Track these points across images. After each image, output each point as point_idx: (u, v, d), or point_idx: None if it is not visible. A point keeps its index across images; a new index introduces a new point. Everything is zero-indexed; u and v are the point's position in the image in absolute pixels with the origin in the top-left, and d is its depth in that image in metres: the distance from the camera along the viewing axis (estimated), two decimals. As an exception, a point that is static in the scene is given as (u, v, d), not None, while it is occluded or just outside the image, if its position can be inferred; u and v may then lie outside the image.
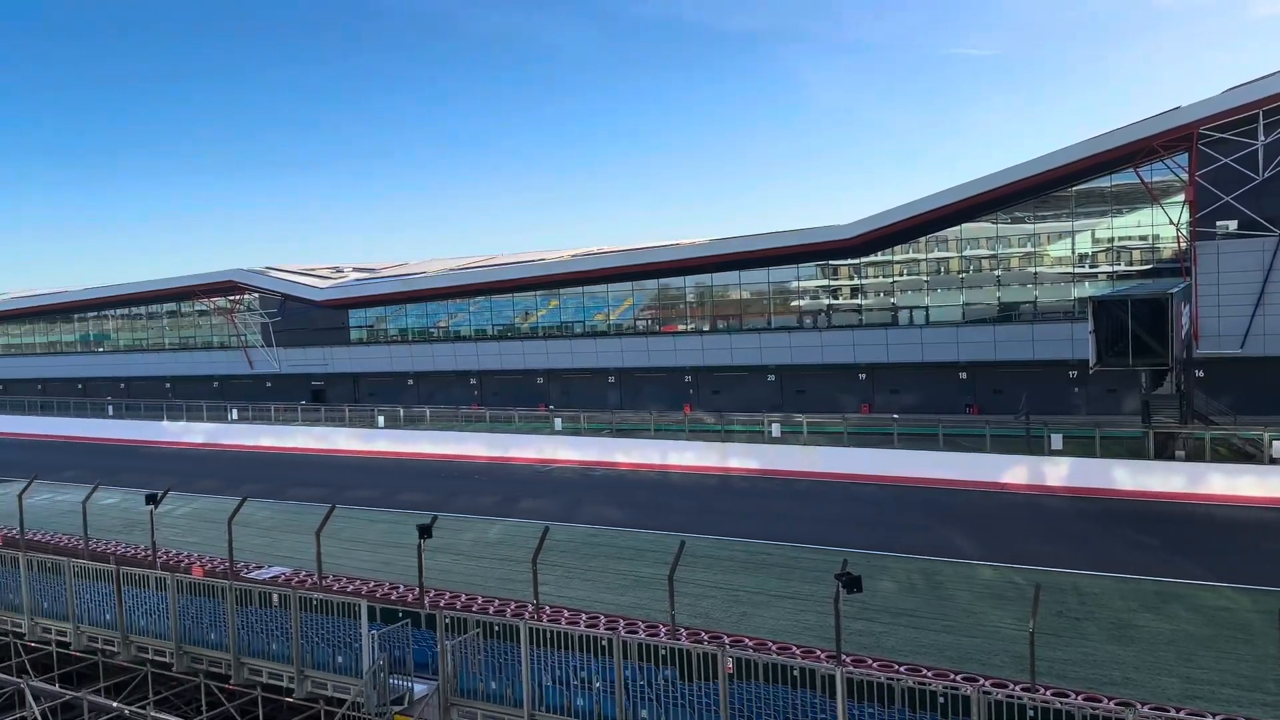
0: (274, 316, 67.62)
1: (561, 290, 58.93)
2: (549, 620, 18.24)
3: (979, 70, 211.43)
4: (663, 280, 55.88)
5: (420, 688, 15.61)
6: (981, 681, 14.22)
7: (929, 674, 14.80)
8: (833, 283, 52.04)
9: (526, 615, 17.82)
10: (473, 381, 61.71)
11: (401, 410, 54.49)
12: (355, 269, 74.15)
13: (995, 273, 47.39)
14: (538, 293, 59.97)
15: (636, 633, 17.23)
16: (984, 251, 47.67)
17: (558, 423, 48.10)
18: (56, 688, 17.12)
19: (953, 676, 14.89)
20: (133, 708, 16.15)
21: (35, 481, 29.70)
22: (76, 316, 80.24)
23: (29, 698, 15.83)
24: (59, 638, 20.32)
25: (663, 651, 13.85)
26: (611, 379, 57.12)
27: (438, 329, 63.97)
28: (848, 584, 13.80)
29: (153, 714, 15.71)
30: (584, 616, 19.18)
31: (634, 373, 56.43)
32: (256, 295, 68.35)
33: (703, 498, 34.46)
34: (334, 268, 74.41)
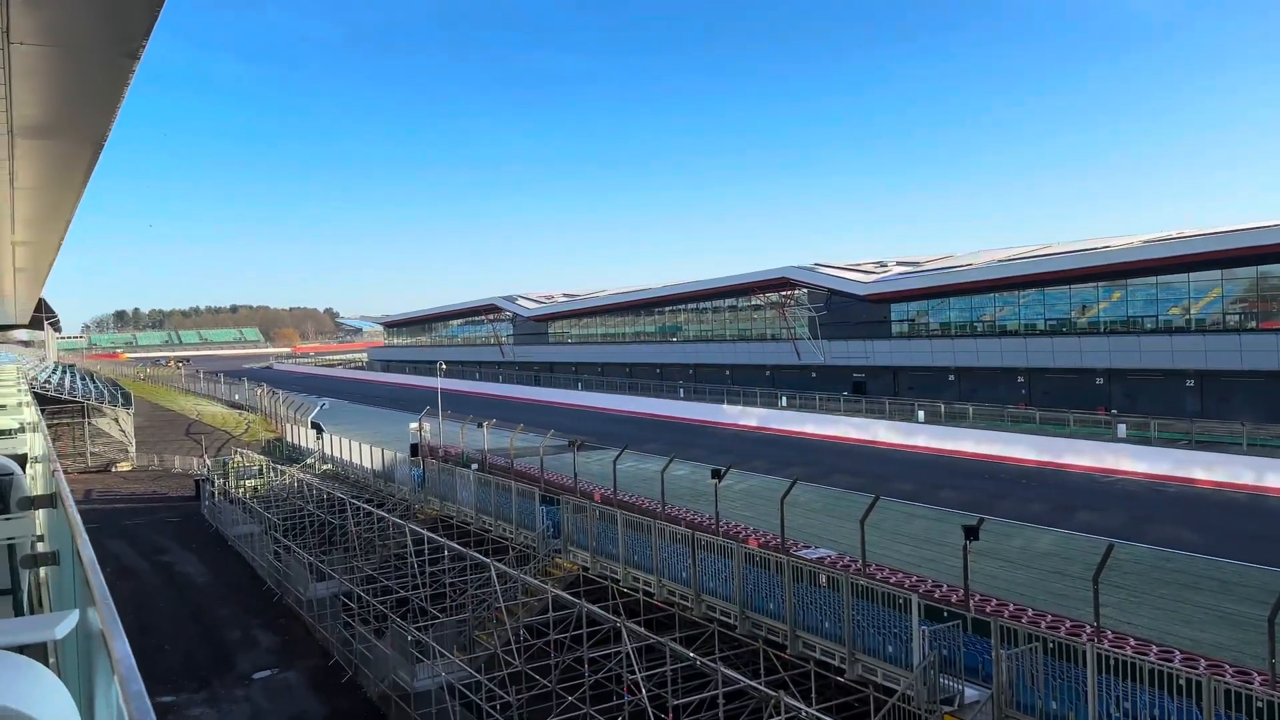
0: (820, 310, 70.85)
1: (1129, 281, 52.92)
2: (1110, 645, 16.57)
3: None
4: (1264, 267, 47.20)
5: (971, 692, 15.22)
6: None
7: None
8: None
9: (1085, 636, 16.38)
10: (1020, 379, 58.34)
11: (942, 406, 53.58)
12: (898, 263, 74.52)
13: None
14: (1099, 284, 54.59)
15: (1223, 675, 14.87)
16: None
17: (1121, 429, 43.40)
18: (642, 630, 19.91)
19: None
20: (704, 659, 18.14)
21: (625, 451, 35.01)
22: (656, 310, 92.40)
23: (624, 635, 18.63)
24: (645, 588, 23.66)
25: (1258, 704, 11.76)
26: (1190, 382, 49.83)
27: (982, 323, 61.63)
28: None
29: (722, 669, 17.47)
30: (1154, 648, 17.06)
31: (1220, 375, 48.56)
32: (805, 290, 72.21)
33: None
34: (878, 262, 75.61)
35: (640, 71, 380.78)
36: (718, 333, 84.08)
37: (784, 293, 73.84)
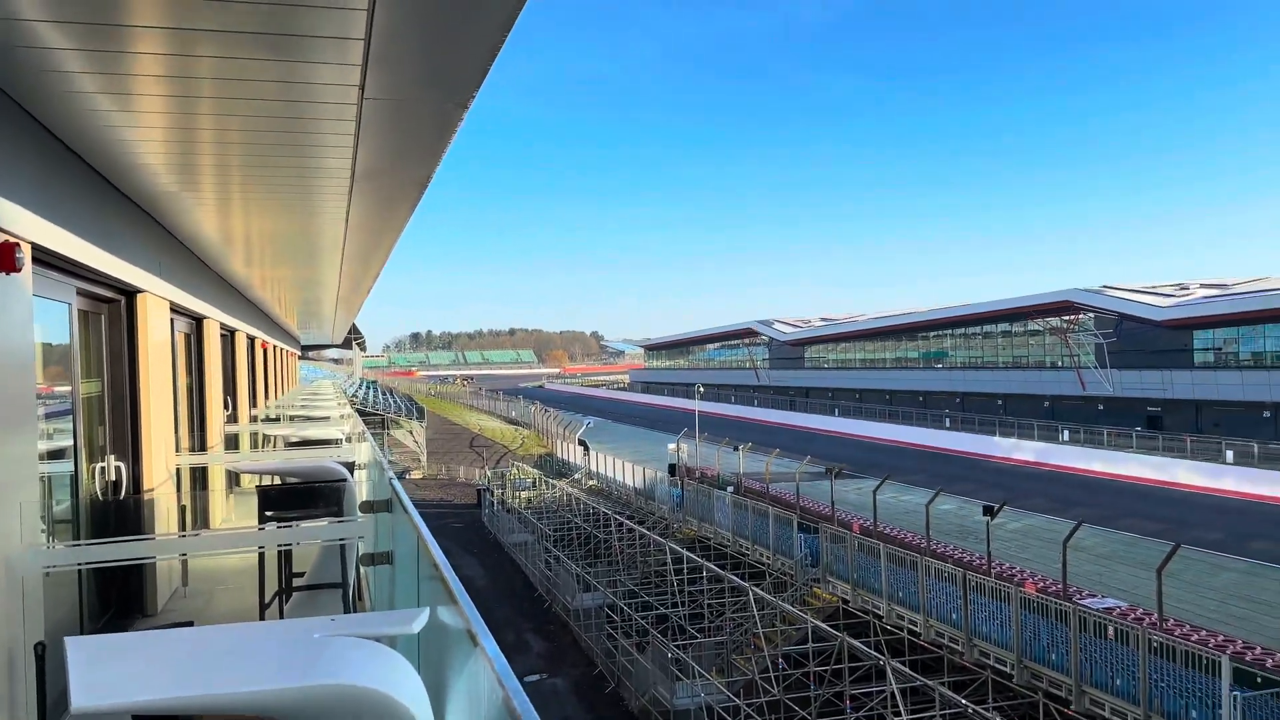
0: (1109, 336, 65.17)
1: None
2: None
3: None
4: None
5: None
6: None
7: None
8: None
9: None
10: (1355, 418, 50.54)
11: (1255, 445, 47.43)
12: (1202, 285, 67.15)
13: None
14: None
15: None
16: None
17: None
18: (908, 670, 19.11)
19: None
20: (977, 708, 17.13)
21: (885, 481, 33.86)
22: (919, 335, 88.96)
23: (889, 674, 17.98)
24: (910, 626, 22.72)
25: None
26: None
27: (1306, 353, 54.07)
28: None
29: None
30: None
31: None
32: (1091, 315, 66.78)
33: None
34: (1178, 285, 68.55)
35: (918, 90, 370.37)
36: (989, 359, 79.54)
37: (1066, 317, 68.66)
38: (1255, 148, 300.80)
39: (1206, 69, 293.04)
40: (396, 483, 5.68)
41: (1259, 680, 14.72)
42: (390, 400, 76.93)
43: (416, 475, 66.18)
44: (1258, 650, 18.93)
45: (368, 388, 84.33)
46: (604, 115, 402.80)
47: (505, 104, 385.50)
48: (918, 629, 22.31)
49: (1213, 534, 32.54)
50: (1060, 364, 70.25)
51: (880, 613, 23.94)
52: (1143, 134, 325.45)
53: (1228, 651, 18.66)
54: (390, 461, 59.96)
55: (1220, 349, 59.13)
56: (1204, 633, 20.29)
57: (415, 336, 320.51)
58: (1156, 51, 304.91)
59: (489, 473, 56.27)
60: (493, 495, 49.92)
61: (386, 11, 3.61)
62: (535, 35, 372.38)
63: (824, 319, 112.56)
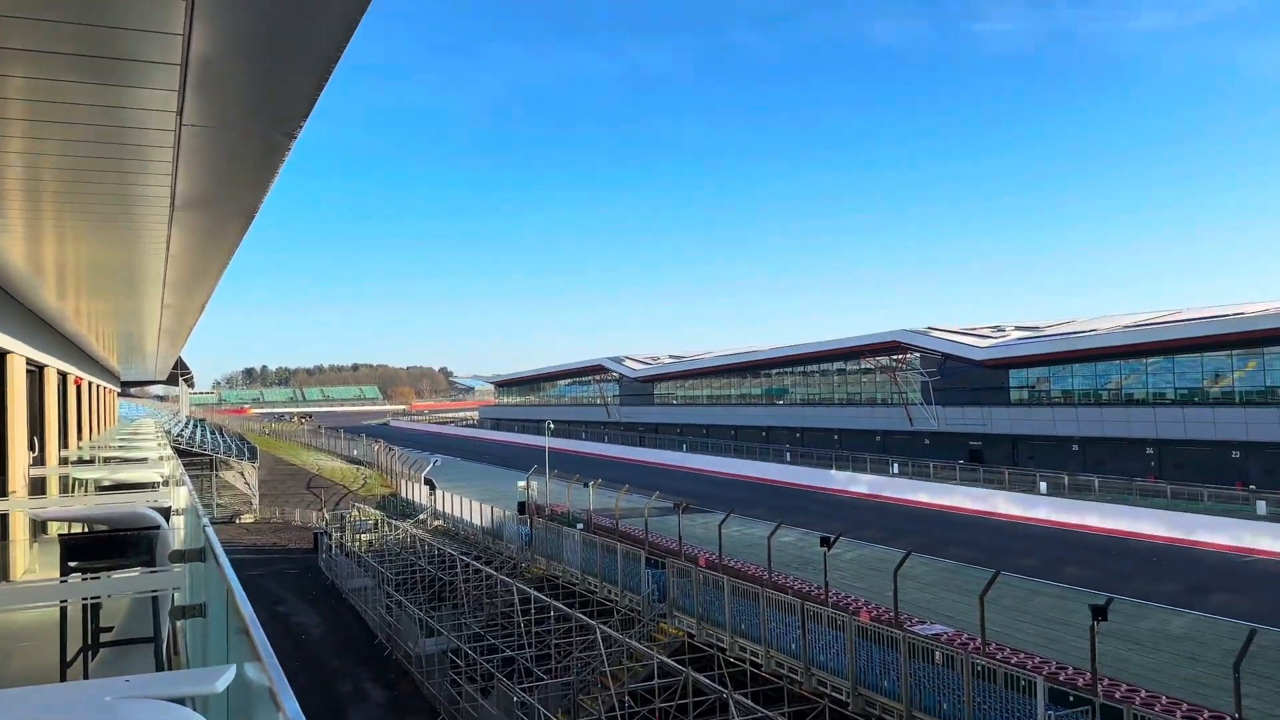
0: (934, 375, 69.17)
1: (1264, 349, 50.00)
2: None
3: None
4: None
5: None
6: None
7: None
8: None
9: (1230, 731, 15.22)
10: (1149, 451, 55.41)
11: (1066, 477, 51.23)
12: (1017, 327, 72.34)
13: None
14: (1233, 352, 51.74)
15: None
16: None
17: (1261, 505, 40.62)
18: (749, 702, 19.43)
19: None
20: (813, 736, 17.59)
21: (730, 515, 34.60)
22: (762, 372, 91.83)
23: (732, 707, 18.23)
24: (752, 658, 23.15)
25: None
26: (1338, 457, 46.48)
27: (1107, 391, 59.01)
28: None
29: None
30: (1309, 748, 15.71)
31: (1373, 451, 45.15)
32: (918, 354, 70.72)
33: None
34: (995, 327, 73.58)
35: (748, 135, 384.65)
36: (825, 396, 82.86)
37: (895, 356, 72.47)
38: (1072, 201, 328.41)
39: (1041, 117, 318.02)
40: (210, 529, 5.37)
41: (1071, 699, 15.76)
42: (220, 439, 72.90)
43: (248, 519, 62.76)
44: (1070, 670, 20.30)
45: (195, 426, 79.63)
46: (452, 151, 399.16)
47: (354, 135, 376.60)
48: (760, 660, 22.76)
49: (1029, 560, 34.80)
50: (890, 401, 73.94)
51: (724, 645, 24.30)
52: (972, 183, 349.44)
53: (1043, 672, 19.92)
54: (219, 505, 56.39)
55: (1034, 387, 63.76)
56: (1022, 655, 21.60)
57: (249, 372, 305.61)
58: (991, 104, 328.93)
59: (327, 515, 54.00)
60: (331, 539, 47.90)
61: (204, 39, 3.49)
62: (386, 67, 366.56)
63: (673, 356, 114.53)
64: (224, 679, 2.66)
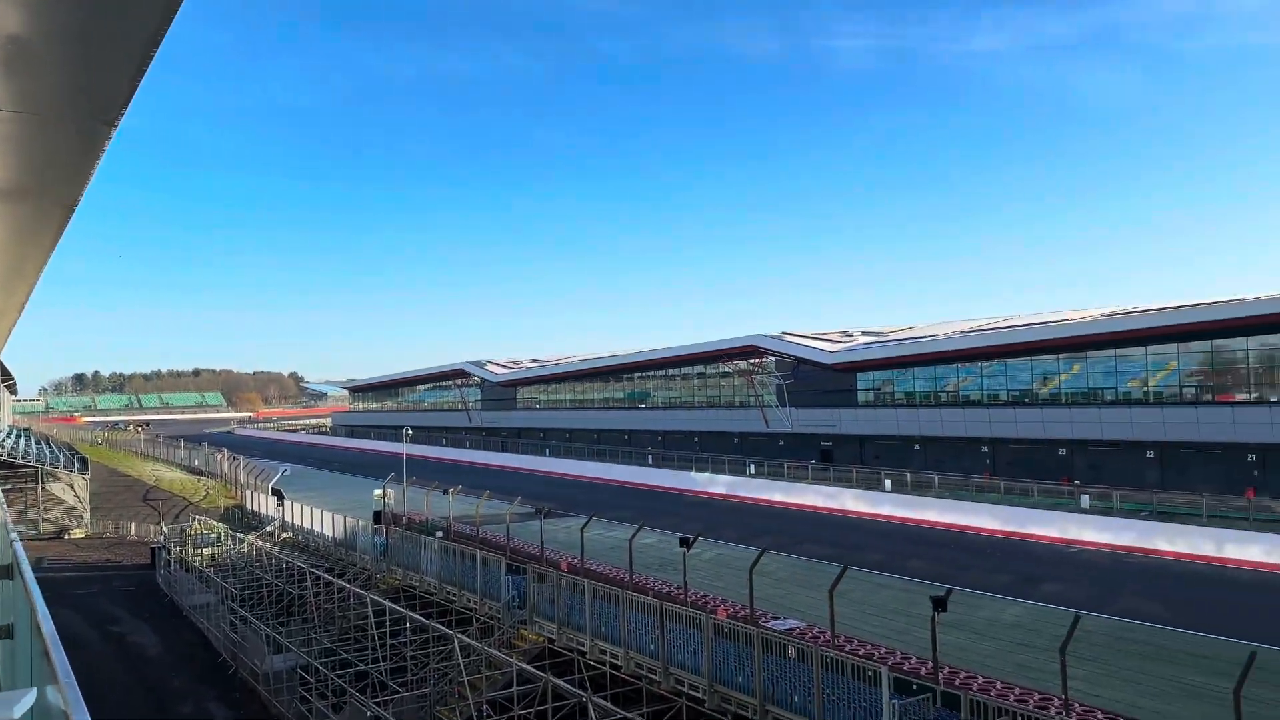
0: (788, 378, 71.38)
1: (1088, 353, 53.98)
2: (1079, 719, 16.49)
3: None
4: (1217, 341, 48.41)
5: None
6: None
7: None
8: None
9: (1054, 709, 16.30)
10: (984, 449, 58.90)
11: (908, 475, 53.81)
12: (864, 333, 75.54)
13: None
14: (1059, 356, 55.63)
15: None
16: None
17: (1084, 499, 43.78)
18: (608, 705, 19.48)
19: None
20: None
21: (592, 519, 34.67)
22: (625, 376, 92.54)
23: (591, 711, 18.23)
24: (612, 660, 23.24)
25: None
26: (1150, 453, 50.62)
27: (946, 393, 62.37)
28: None
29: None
30: (1123, 722, 17.00)
31: (1179, 447, 49.40)
32: (773, 359, 72.81)
33: (1274, 598, 28.85)
34: (844, 332, 76.60)
35: (614, 145, 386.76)
36: (686, 399, 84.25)
37: (752, 360, 74.38)
38: (919, 208, 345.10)
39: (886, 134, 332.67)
40: (19, 544, 4.96)
41: (914, 687, 16.51)
42: (46, 450, 67.78)
43: (78, 534, 58.55)
44: (913, 660, 21.27)
45: (18, 436, 73.76)
46: (303, 149, 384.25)
47: (208, 131, 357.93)
48: (620, 662, 22.87)
49: (876, 555, 36.31)
50: (748, 403, 75.85)
51: (585, 649, 24.29)
52: (821, 193, 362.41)
53: (888, 663, 20.82)
54: (45, 520, 52.34)
55: (879, 389, 66.73)
56: (869, 646, 22.50)
57: (79, 378, 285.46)
58: (841, 114, 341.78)
59: (166, 529, 50.99)
60: (170, 553, 45.25)
61: (9, 18, 3.22)
62: (238, 61, 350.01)
63: (536, 360, 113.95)
64: (23, 704, 2.45)
